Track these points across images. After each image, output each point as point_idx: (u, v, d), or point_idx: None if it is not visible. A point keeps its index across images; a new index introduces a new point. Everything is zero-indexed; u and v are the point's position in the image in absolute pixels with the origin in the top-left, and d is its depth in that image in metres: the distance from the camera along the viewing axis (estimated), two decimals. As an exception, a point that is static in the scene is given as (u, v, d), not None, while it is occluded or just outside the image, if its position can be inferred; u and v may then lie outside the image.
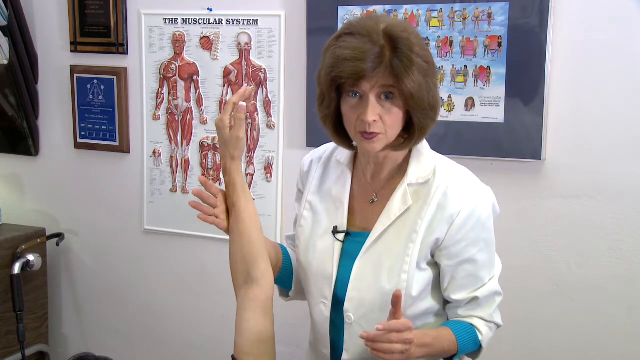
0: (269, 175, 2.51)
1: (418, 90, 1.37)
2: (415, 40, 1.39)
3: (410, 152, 1.51)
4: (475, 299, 1.50)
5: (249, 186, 2.53)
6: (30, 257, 2.67)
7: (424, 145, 1.53)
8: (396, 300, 1.34)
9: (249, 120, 2.49)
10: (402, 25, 1.41)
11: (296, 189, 1.72)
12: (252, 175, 2.53)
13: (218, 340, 2.66)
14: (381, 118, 1.39)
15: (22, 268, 2.64)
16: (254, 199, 2.51)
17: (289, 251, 1.72)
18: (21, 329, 2.59)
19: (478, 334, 1.51)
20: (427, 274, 1.49)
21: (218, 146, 2.01)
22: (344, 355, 1.54)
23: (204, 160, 2.61)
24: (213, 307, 2.67)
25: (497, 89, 2.11)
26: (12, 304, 2.59)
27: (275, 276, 1.59)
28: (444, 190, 1.46)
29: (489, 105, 2.13)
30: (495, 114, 2.13)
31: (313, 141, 2.37)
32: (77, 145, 2.82)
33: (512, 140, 2.12)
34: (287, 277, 1.68)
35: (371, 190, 1.54)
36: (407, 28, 1.40)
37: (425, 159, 1.51)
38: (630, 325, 2.10)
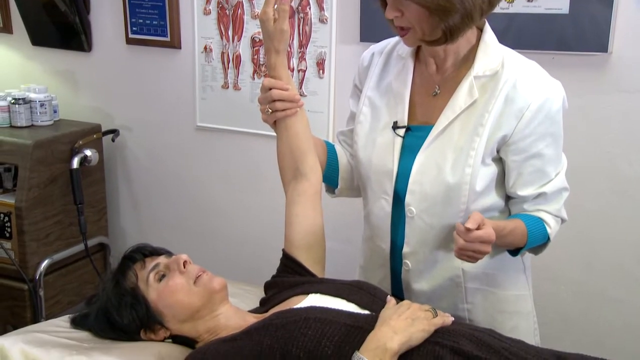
0: (321, 71, 2.46)
1: None
2: None
3: (477, 43, 1.47)
4: (542, 194, 1.48)
5: (301, 82, 2.48)
6: (88, 152, 2.71)
7: (491, 37, 1.48)
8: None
9: (301, 15, 2.42)
10: None
11: (352, 84, 1.69)
12: (305, 71, 2.48)
13: (269, 235, 2.70)
14: (404, 14, 1.37)
15: (81, 163, 2.69)
16: (305, 96, 2.47)
17: (338, 147, 1.70)
18: (82, 221, 2.67)
19: (547, 227, 1.51)
20: (492, 169, 1.47)
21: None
22: (405, 248, 1.54)
23: (256, 56, 2.56)
24: (264, 203, 2.70)
25: (563, -23, 1.99)
26: (72, 197, 2.67)
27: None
28: (514, 83, 1.42)
29: (554, -5, 2.02)
30: (559, 4, 2.01)
31: (367, 36, 2.30)
32: (129, 41, 2.80)
33: (577, 32, 2.01)
34: (333, 174, 1.67)
35: (434, 82, 1.51)
36: None
37: (493, 51, 1.46)
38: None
